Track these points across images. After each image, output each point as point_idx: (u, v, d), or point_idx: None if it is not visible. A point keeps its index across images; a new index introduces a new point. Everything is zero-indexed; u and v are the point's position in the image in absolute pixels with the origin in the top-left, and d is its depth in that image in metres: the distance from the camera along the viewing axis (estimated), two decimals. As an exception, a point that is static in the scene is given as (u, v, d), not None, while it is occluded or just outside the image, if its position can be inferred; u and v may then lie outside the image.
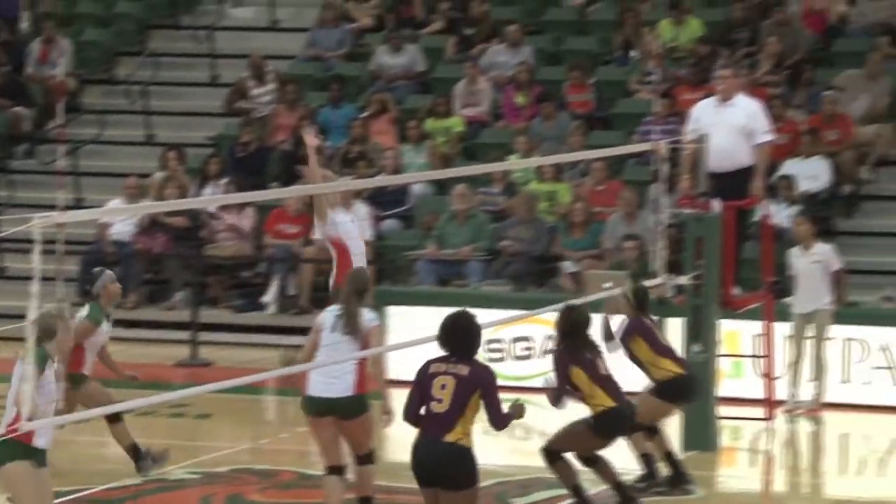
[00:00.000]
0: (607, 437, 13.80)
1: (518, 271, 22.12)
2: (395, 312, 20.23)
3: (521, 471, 16.43)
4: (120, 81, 27.27)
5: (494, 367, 19.89)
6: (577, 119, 23.94)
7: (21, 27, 27.47)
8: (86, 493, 15.46)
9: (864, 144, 23.18)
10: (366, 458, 13.92)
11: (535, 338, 19.91)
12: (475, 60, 25.33)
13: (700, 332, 17.44)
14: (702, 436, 17.35)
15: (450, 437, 11.70)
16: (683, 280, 17.29)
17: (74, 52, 27.08)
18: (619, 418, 13.67)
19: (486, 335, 17.45)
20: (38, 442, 11.64)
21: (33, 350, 11.08)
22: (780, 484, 17.78)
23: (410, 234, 23.31)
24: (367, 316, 13.70)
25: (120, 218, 23.39)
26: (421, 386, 11.85)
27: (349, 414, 13.49)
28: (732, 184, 18.22)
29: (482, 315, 17.08)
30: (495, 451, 14.55)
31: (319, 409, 13.46)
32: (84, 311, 15.13)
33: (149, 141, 25.98)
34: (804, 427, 18.90)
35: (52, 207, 15.86)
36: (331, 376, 13.34)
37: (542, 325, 19.61)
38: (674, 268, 17.62)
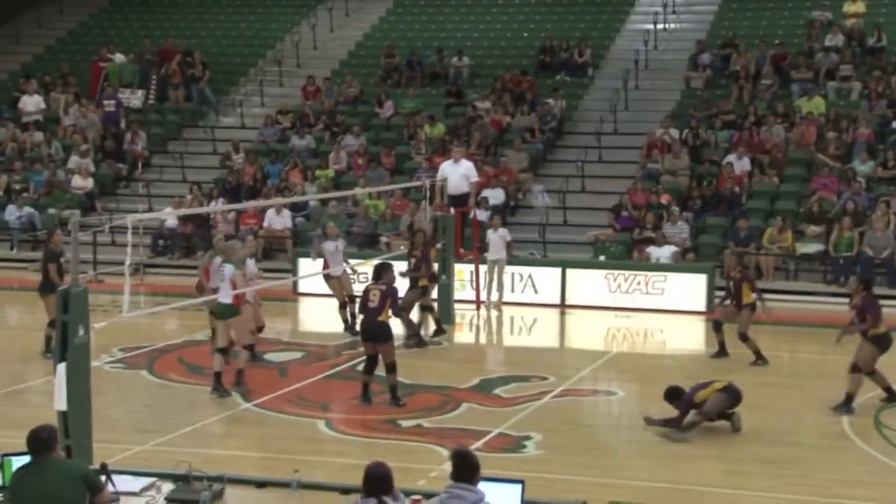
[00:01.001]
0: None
1: (361, 241, 21.78)
2: (303, 261, 19.97)
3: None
4: (170, 152, 26.48)
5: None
6: (387, 171, 23.67)
7: (121, 126, 26.57)
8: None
9: (519, 182, 23.22)
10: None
11: (369, 273, 19.57)
12: (340, 143, 24.92)
13: (446, 269, 17.38)
14: (446, 315, 17.32)
15: (380, 318, 12.13)
16: (438, 245, 17.24)
17: (147, 138, 26.23)
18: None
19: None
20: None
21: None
22: (482, 338, 17.77)
23: (309, 224, 22.92)
24: (227, 269, 12.92)
25: (170, 217, 22.76)
26: (365, 295, 12.24)
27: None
28: (459, 201, 18.23)
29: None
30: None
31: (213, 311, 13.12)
32: (231, 267, 13.25)
33: (184, 180, 25.04)
34: (493, 313, 18.74)
35: (136, 211, 15.40)
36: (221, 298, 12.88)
37: (371, 267, 19.35)
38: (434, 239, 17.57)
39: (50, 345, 14.28)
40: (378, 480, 6.14)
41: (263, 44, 29.79)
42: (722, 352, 14.96)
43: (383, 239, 21.57)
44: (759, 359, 14.59)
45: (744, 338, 14.61)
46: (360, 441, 11.17)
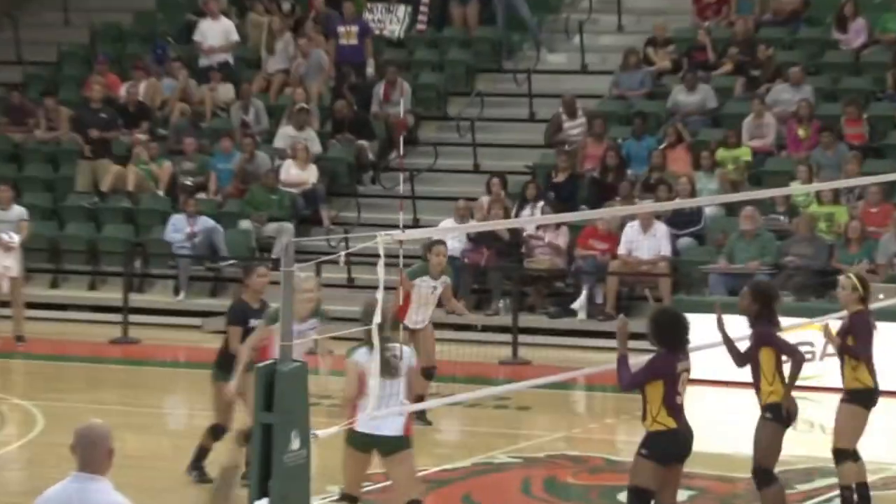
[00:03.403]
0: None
1: (800, 283, 21.65)
2: (692, 318, 19.93)
3: (804, 460, 16.16)
4: (451, 118, 27.31)
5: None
6: (852, 149, 23.51)
7: (367, 72, 27.58)
8: (421, 473, 15.49)
9: None
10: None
11: (816, 343, 19.46)
12: (761, 98, 24.93)
13: None
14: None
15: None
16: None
17: (412, 93, 27.18)
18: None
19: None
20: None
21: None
22: None
23: (703, 251, 23.04)
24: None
25: (451, 235, 23.35)
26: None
27: None
28: None
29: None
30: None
31: None
32: None
33: (475, 169, 25.99)
34: None
35: (393, 227, 16.02)
36: None
37: (822, 332, 19.22)
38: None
39: None
40: None
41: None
42: None
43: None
44: None
45: None
46: None
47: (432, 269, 16.98)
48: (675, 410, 11.43)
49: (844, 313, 14.43)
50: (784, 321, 17.72)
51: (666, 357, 11.43)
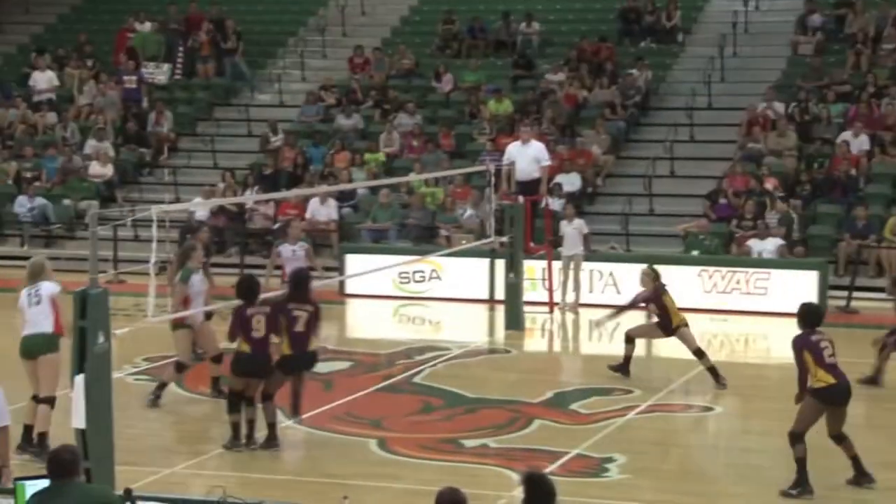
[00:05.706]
0: None
1: (415, 235, 21.87)
2: (351, 258, 20.09)
3: (419, 342, 16.29)
4: (199, 134, 26.75)
5: (403, 287, 20.09)
6: (446, 154, 23.73)
7: (143, 105, 26.98)
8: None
9: (598, 166, 23.10)
10: None
11: (425, 271, 19.76)
12: (392, 122, 25.04)
13: (514, 267, 17.39)
14: (515, 319, 17.34)
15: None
16: (505, 239, 17.25)
17: (173, 119, 26.52)
18: None
19: (398, 269, 17.33)
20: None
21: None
22: (556, 345, 17.73)
23: (357, 216, 23.05)
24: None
25: (200, 208, 23.00)
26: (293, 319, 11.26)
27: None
28: (529, 188, 18.17)
29: (396, 259, 16.81)
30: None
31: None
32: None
33: (215, 167, 25.33)
34: (568, 316, 18.62)
35: (162, 202, 15.66)
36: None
37: (428, 264, 19.50)
38: (500, 232, 17.60)
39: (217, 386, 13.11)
40: None
41: (304, 10, 29.96)
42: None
43: (442, 232, 21.60)
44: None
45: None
46: (417, 463, 11.20)
47: (291, 236, 15.67)
48: (250, 339, 11.02)
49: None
50: (405, 258, 18.05)
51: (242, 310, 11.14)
